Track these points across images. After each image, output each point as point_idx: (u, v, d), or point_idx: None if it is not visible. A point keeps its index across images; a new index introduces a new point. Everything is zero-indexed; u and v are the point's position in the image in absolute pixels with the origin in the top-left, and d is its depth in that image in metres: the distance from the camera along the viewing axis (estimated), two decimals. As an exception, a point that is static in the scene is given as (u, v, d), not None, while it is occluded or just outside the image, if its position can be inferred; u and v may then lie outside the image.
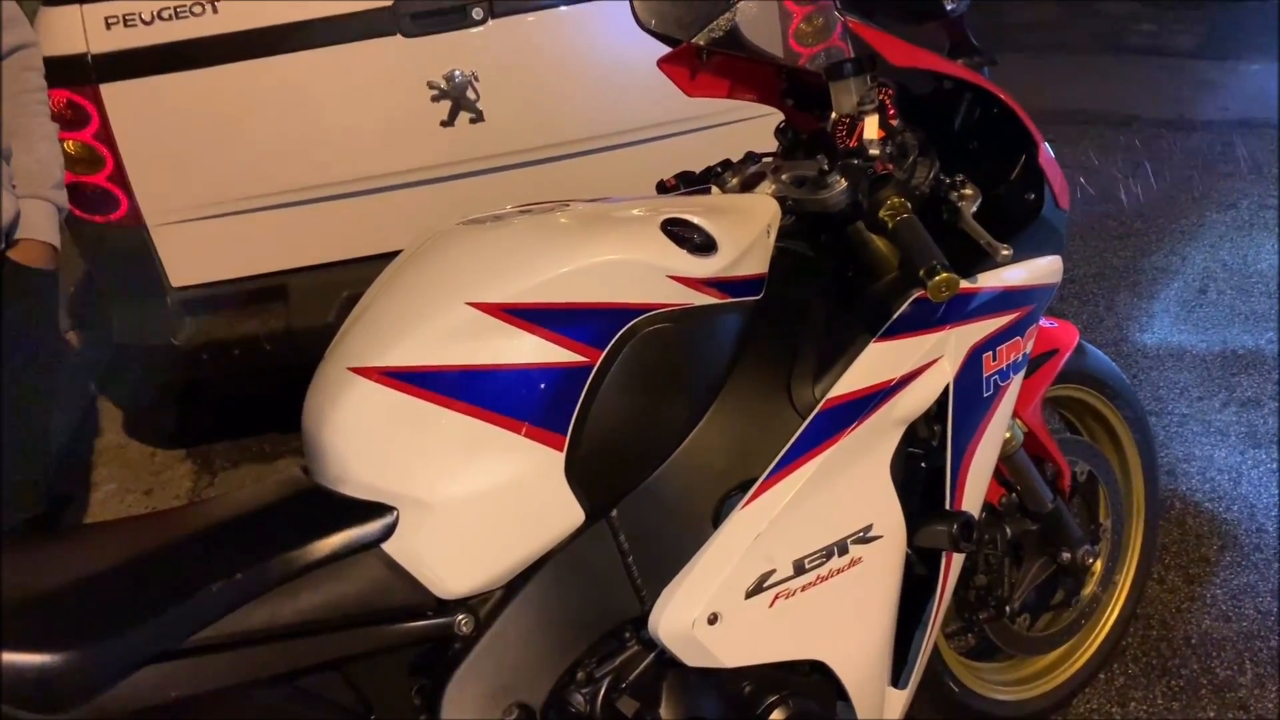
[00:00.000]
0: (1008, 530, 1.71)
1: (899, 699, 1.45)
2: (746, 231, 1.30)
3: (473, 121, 2.43)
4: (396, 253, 1.35)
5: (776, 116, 1.66)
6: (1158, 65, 5.58)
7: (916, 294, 1.31)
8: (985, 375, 1.41)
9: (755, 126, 1.90)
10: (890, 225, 1.30)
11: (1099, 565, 1.90)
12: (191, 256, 2.50)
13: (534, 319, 1.16)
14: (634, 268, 1.20)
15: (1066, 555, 1.77)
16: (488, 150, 2.46)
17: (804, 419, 1.28)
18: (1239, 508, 2.43)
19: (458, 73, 2.40)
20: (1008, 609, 1.74)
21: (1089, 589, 1.90)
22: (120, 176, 2.39)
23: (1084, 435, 1.96)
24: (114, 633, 1.01)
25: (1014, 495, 1.70)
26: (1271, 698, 1.96)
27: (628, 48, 2.26)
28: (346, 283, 2.39)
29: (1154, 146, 4.52)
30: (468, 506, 1.16)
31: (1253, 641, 2.08)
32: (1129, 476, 1.97)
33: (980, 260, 1.36)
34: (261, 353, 2.48)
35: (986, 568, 1.71)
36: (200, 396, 3.16)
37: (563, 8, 2.46)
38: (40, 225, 1.87)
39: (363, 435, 1.16)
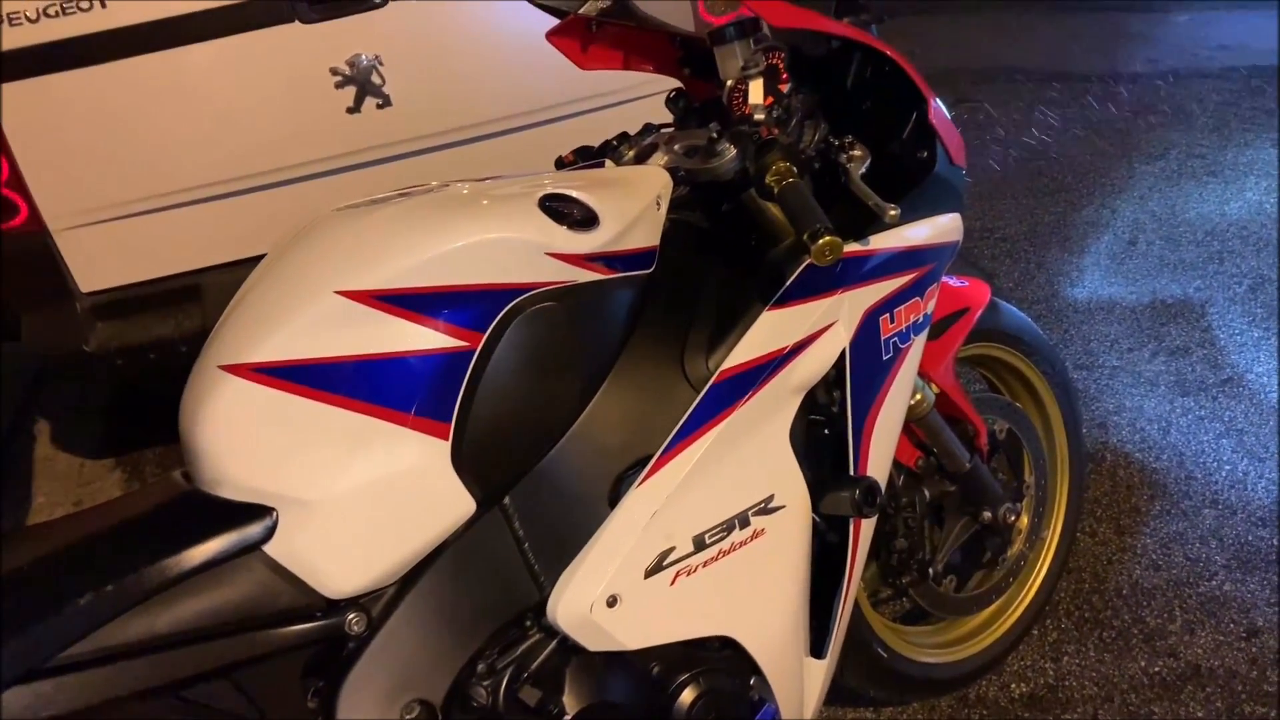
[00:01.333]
0: (926, 492, 1.70)
1: (819, 668, 1.43)
2: (632, 204, 1.27)
3: (380, 107, 2.37)
4: None
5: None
6: (1086, 18, 5.61)
7: (807, 260, 1.28)
8: (884, 338, 1.39)
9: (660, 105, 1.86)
10: (776, 191, 1.27)
11: (1023, 522, 1.90)
12: (99, 260, 2.42)
13: (408, 304, 1.12)
14: (510, 247, 1.16)
15: (988, 514, 1.77)
16: (397, 135, 2.41)
17: (699, 392, 1.26)
18: (1168, 456, 2.45)
19: (361, 57, 2.34)
20: (931, 571, 1.74)
21: (1016, 547, 1.91)
22: (17, 181, 2.31)
23: (1003, 392, 1.96)
24: None
25: (931, 457, 1.69)
26: (1200, 644, 1.97)
27: (535, 23, 2.22)
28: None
29: (1083, 100, 4.54)
30: (350, 503, 1.12)
31: (1182, 589, 2.10)
32: (1051, 432, 1.97)
33: (873, 222, 1.34)
34: (177, 355, 2.42)
35: (906, 531, 1.71)
36: (125, 403, 3.09)
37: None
38: None
39: (236, 435, 1.12)
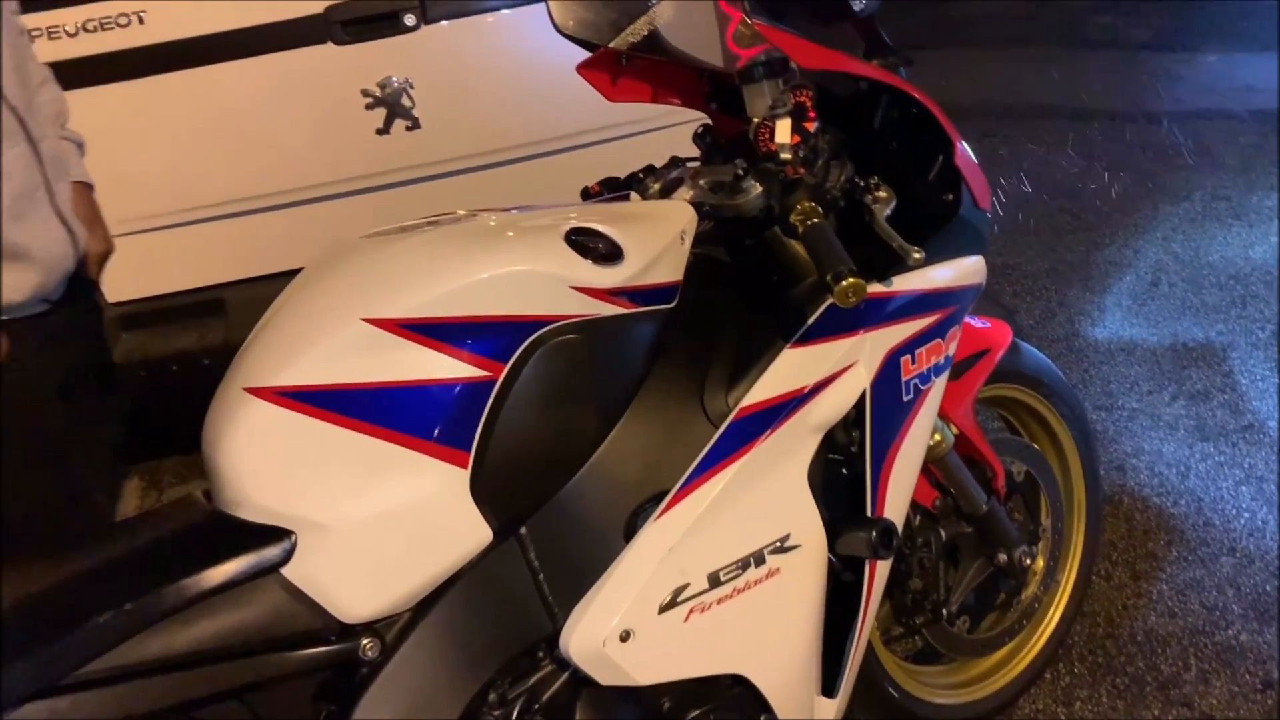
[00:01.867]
0: (942, 533, 1.69)
1: (830, 708, 1.43)
2: (657, 239, 1.28)
3: (409, 129, 2.40)
4: None
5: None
6: (1115, 58, 5.60)
7: (830, 300, 1.29)
8: (904, 379, 1.39)
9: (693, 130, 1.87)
10: (800, 230, 1.28)
11: (1039, 565, 1.89)
12: (126, 272, 2.44)
13: (432, 333, 1.13)
14: (535, 279, 1.17)
15: (1003, 557, 1.76)
16: (425, 158, 2.43)
17: (718, 428, 1.26)
18: (1186, 502, 2.43)
19: (393, 80, 2.37)
20: (945, 612, 1.73)
21: (1030, 589, 1.90)
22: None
23: (1022, 434, 1.95)
24: None
25: (948, 498, 1.69)
26: (1215, 694, 1.95)
27: (563, 52, 2.24)
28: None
29: (1109, 139, 4.54)
30: (369, 528, 1.13)
31: (1197, 637, 2.08)
32: (1069, 475, 1.96)
33: (896, 263, 1.34)
34: (200, 368, 2.44)
35: (921, 571, 1.70)
36: (145, 413, 3.11)
37: (503, 11, 2.43)
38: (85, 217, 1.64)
39: (258, 457, 1.13)
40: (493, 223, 1.29)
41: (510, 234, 1.25)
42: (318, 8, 2.30)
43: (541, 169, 2.49)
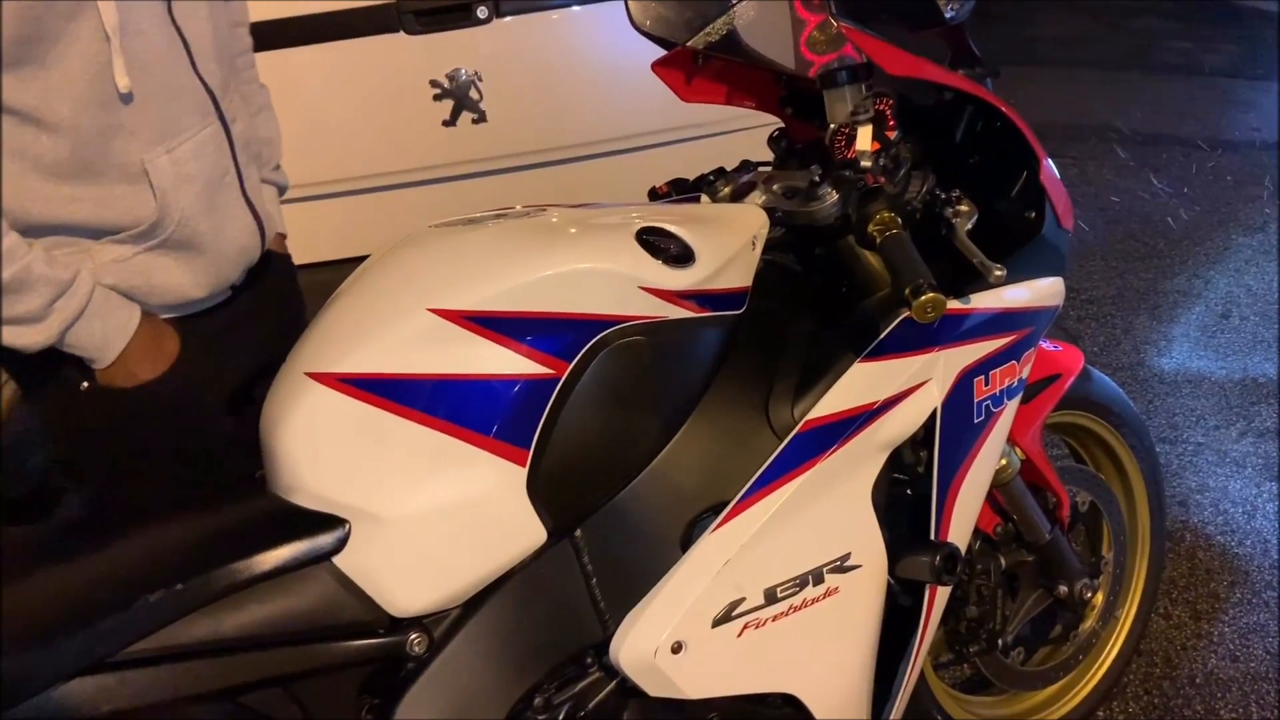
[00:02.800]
0: (1002, 561, 1.64)
1: (879, 733, 1.39)
2: (729, 243, 1.25)
3: (475, 122, 2.38)
4: None
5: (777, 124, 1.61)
6: (1190, 84, 5.48)
7: (903, 313, 1.25)
8: (976, 400, 1.35)
9: (762, 135, 1.84)
10: (878, 241, 1.24)
11: (1099, 599, 1.83)
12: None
13: (498, 328, 1.11)
14: (605, 277, 1.15)
15: (1064, 588, 1.70)
16: (489, 151, 2.42)
17: (781, 439, 1.23)
18: (1252, 542, 2.35)
19: (461, 71, 2.36)
20: (1000, 642, 1.67)
21: (1088, 623, 1.84)
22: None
23: (1088, 463, 1.89)
24: (45, 640, 0.97)
25: (1010, 524, 1.63)
26: (1277, 743, 1.88)
27: (634, 50, 2.22)
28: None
29: (1182, 166, 4.43)
30: (424, 521, 1.11)
31: (1260, 684, 2.00)
32: (1134, 508, 1.90)
33: (975, 280, 1.30)
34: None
35: (979, 599, 1.65)
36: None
37: (573, 8, 2.41)
38: (275, 216, 1.57)
39: (316, 444, 1.12)
40: (562, 219, 1.26)
41: (580, 231, 1.22)
42: (393, -3, 2.30)
43: (607, 168, 2.47)
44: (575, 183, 2.45)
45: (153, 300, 1.33)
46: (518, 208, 1.34)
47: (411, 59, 2.34)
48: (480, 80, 2.36)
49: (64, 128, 1.20)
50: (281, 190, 1.63)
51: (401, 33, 2.32)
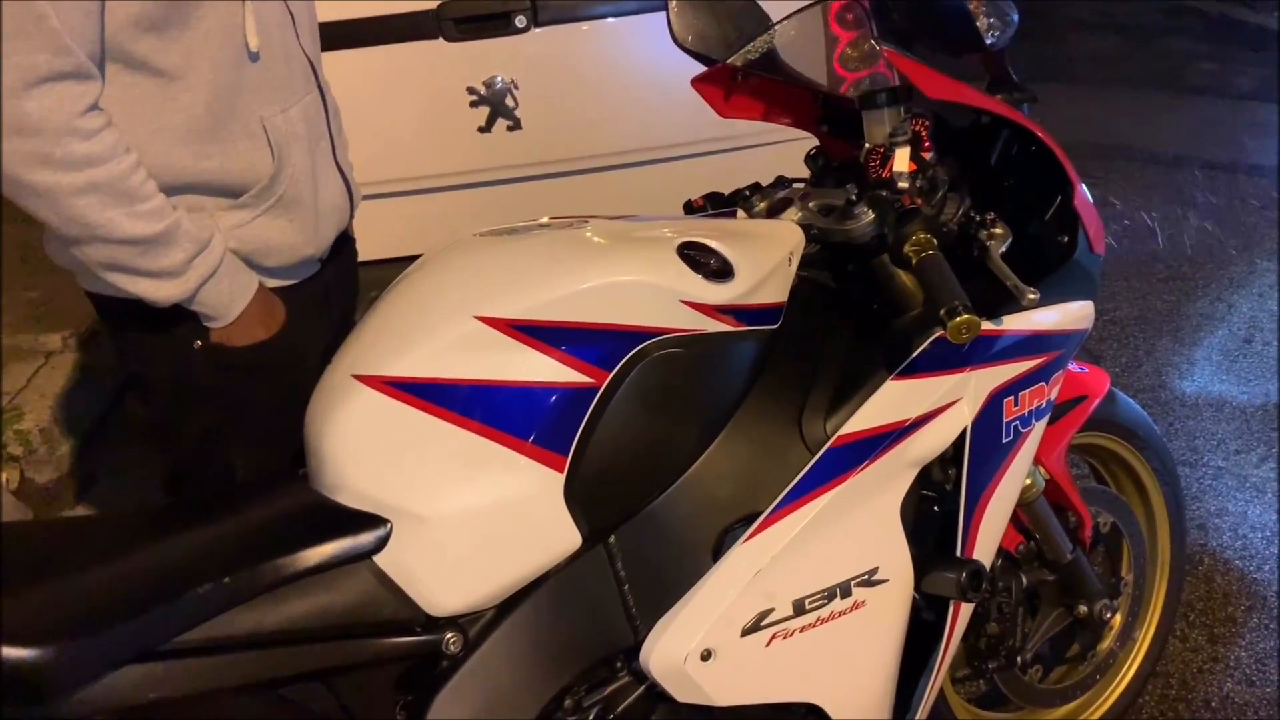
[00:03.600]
0: (1023, 579, 1.66)
1: (898, 746, 1.41)
2: (766, 258, 1.27)
3: (510, 129, 2.42)
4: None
5: (813, 141, 1.63)
6: (1216, 106, 5.47)
7: (937, 333, 1.27)
8: (1005, 420, 1.37)
9: (793, 149, 1.87)
10: (914, 261, 1.27)
11: (1118, 620, 1.84)
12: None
13: (542, 336, 1.14)
14: (646, 290, 1.17)
15: (1084, 608, 1.72)
16: (523, 158, 2.45)
17: (813, 454, 1.25)
18: (1270, 568, 2.36)
19: (498, 79, 2.39)
20: (1019, 659, 1.69)
21: (1106, 643, 1.85)
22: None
23: (1110, 485, 1.91)
24: (98, 628, 1.00)
25: (1032, 543, 1.65)
26: (1292, 769, 1.89)
27: (669, 62, 2.25)
28: (376, 283, 2.38)
29: (1208, 188, 4.42)
30: (463, 523, 1.14)
31: (1275, 709, 2.01)
32: (1155, 530, 1.92)
33: (1007, 302, 1.32)
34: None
35: (999, 616, 1.66)
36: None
37: (607, 19, 2.44)
38: (355, 187, 1.63)
39: (361, 444, 1.15)
40: (604, 231, 1.29)
41: (623, 243, 1.25)
42: (431, 4, 2.33)
43: (639, 177, 2.49)
44: (607, 191, 2.48)
45: (269, 261, 1.42)
46: (560, 219, 1.37)
47: (449, 65, 2.38)
48: (516, 88, 2.39)
49: (201, 85, 1.30)
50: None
51: (441, 39, 2.35)
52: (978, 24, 1.33)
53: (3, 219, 3.22)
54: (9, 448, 2.82)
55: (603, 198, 2.48)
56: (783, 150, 2.17)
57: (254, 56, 1.33)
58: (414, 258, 1.35)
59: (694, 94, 1.56)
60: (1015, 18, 1.35)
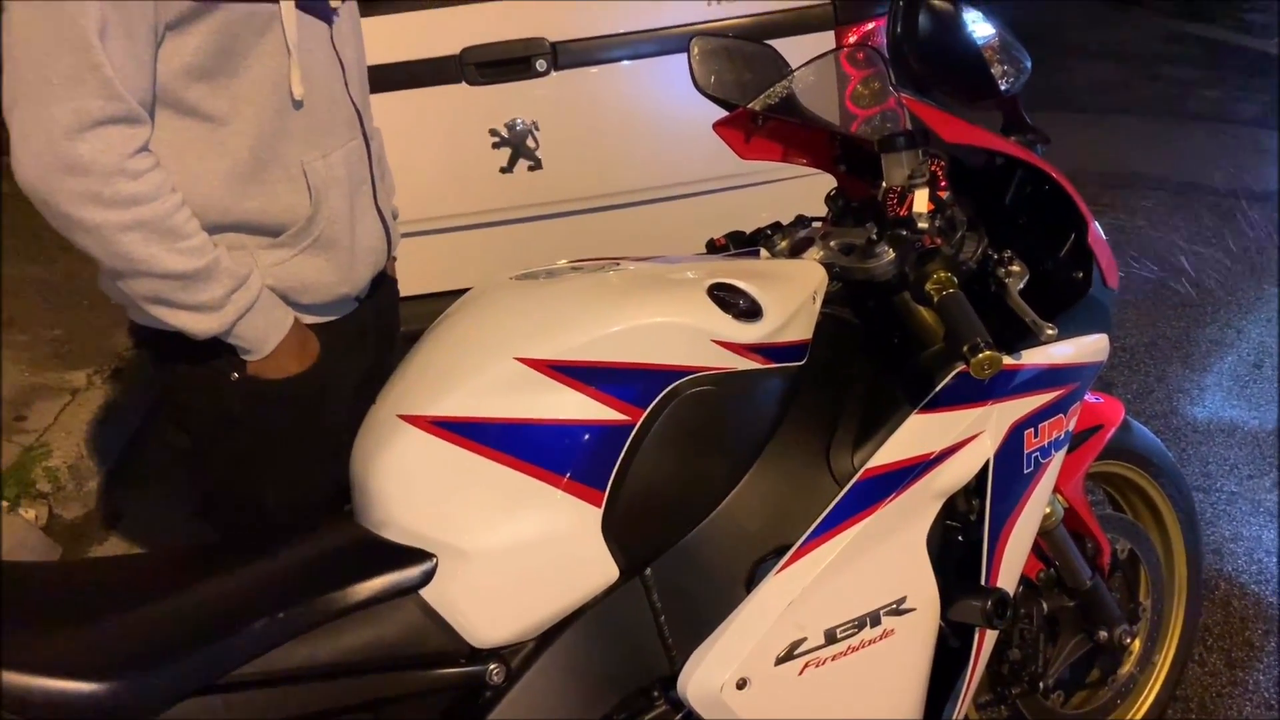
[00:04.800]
0: (1044, 605, 1.69)
1: (926, 771, 1.44)
2: (792, 298, 1.32)
3: (531, 169, 2.48)
4: (453, 292, 1.39)
5: (827, 177, 1.68)
6: (1221, 132, 5.52)
7: (959, 369, 1.31)
8: (1026, 452, 1.41)
9: (805, 185, 1.92)
10: (936, 299, 1.31)
11: (1137, 645, 1.87)
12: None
13: (579, 376, 1.19)
14: (680, 331, 1.22)
15: (1103, 634, 1.75)
16: (544, 197, 2.51)
17: (841, 487, 1.29)
18: (1286, 592, 2.38)
19: (519, 121, 2.45)
20: (1041, 685, 1.72)
21: (1126, 668, 1.88)
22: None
23: (1126, 512, 1.94)
24: (162, 663, 1.04)
25: (1052, 570, 1.69)
26: (1313, 792, 1.91)
27: (683, 103, 2.31)
28: (403, 319, 2.44)
29: (1213, 215, 4.47)
30: (506, 557, 1.18)
31: (1295, 732, 2.03)
32: (1171, 556, 1.95)
33: (1024, 337, 1.37)
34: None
35: (1021, 642, 1.70)
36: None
37: (623, 62, 2.51)
38: (394, 232, 1.68)
39: (408, 482, 1.19)
40: (637, 273, 1.34)
41: (656, 285, 1.30)
42: (455, 49, 2.40)
43: (657, 214, 2.56)
44: (627, 228, 2.54)
45: (305, 298, 1.47)
46: (590, 261, 1.42)
47: (472, 108, 2.44)
48: (537, 129, 2.46)
49: (246, 130, 1.37)
50: (394, 215, 1.75)
51: (464, 83, 2.42)
52: (992, 71, 1.38)
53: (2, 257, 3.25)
54: (37, 484, 2.87)
55: (622, 235, 2.54)
56: (798, 185, 2.23)
57: (298, 104, 1.40)
58: (444, 294, 1.40)
59: (708, 132, 1.61)
60: (1029, 64, 1.40)
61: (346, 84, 1.50)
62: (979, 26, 1.42)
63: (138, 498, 3.04)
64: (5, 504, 2.75)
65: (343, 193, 1.48)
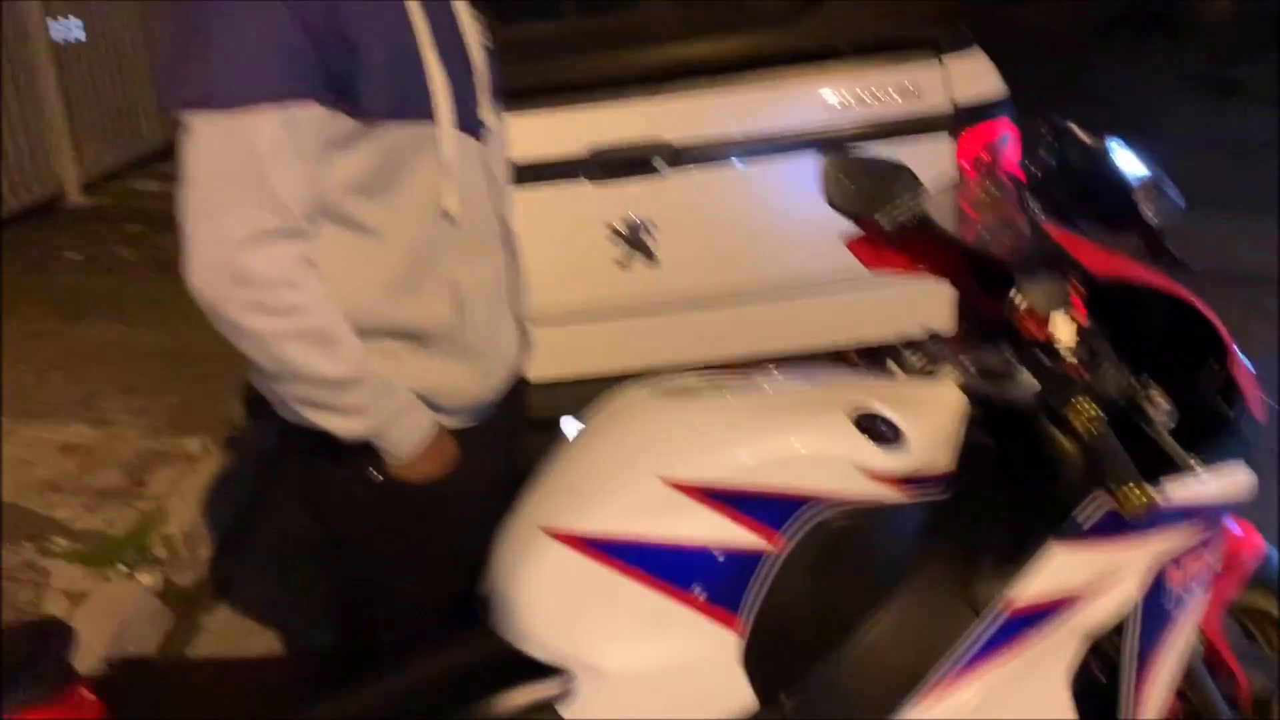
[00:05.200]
0: (1182, 745, 1.63)
1: None
2: (938, 427, 1.32)
3: (647, 264, 2.53)
4: (567, 382, 1.42)
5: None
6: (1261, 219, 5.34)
7: (1108, 507, 1.29)
8: (1171, 590, 1.37)
9: (920, 289, 1.91)
10: (1084, 434, 1.29)
11: (1273, 786, 1.79)
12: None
13: (724, 500, 1.20)
14: (827, 460, 1.23)
15: (1242, 774, 1.68)
16: (659, 293, 2.55)
17: (980, 618, 1.27)
18: None
19: (637, 218, 2.51)
20: (1179, 825, 1.65)
21: (1260, 809, 1.79)
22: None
23: (1261, 644, 1.86)
24: None
25: (1190, 708, 1.62)
26: None
27: (797, 203, 2.34)
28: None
29: (1255, 302, 4.30)
30: (644, 680, 1.19)
31: None
32: (1311, 693, 1.86)
33: (1171, 471, 1.34)
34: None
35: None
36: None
37: (738, 164, 2.56)
38: (530, 339, 1.73)
39: (550, 598, 1.21)
40: (779, 394, 1.35)
41: (800, 410, 1.31)
42: (583, 150, 2.47)
43: (768, 311, 2.58)
44: (741, 323, 2.56)
45: (445, 402, 1.51)
46: (725, 370, 1.43)
47: (592, 205, 2.51)
48: (655, 226, 2.51)
49: (401, 243, 1.43)
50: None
51: (585, 180, 2.49)
52: (1142, 209, 1.37)
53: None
54: (153, 549, 2.96)
55: (735, 332, 2.56)
56: (911, 289, 2.23)
57: (451, 220, 1.46)
58: (559, 383, 1.41)
59: (821, 232, 1.63)
60: (1183, 205, 1.39)
61: (493, 200, 1.56)
62: (1131, 165, 1.42)
63: (246, 567, 3.11)
64: (124, 569, 2.85)
65: (487, 303, 1.53)
